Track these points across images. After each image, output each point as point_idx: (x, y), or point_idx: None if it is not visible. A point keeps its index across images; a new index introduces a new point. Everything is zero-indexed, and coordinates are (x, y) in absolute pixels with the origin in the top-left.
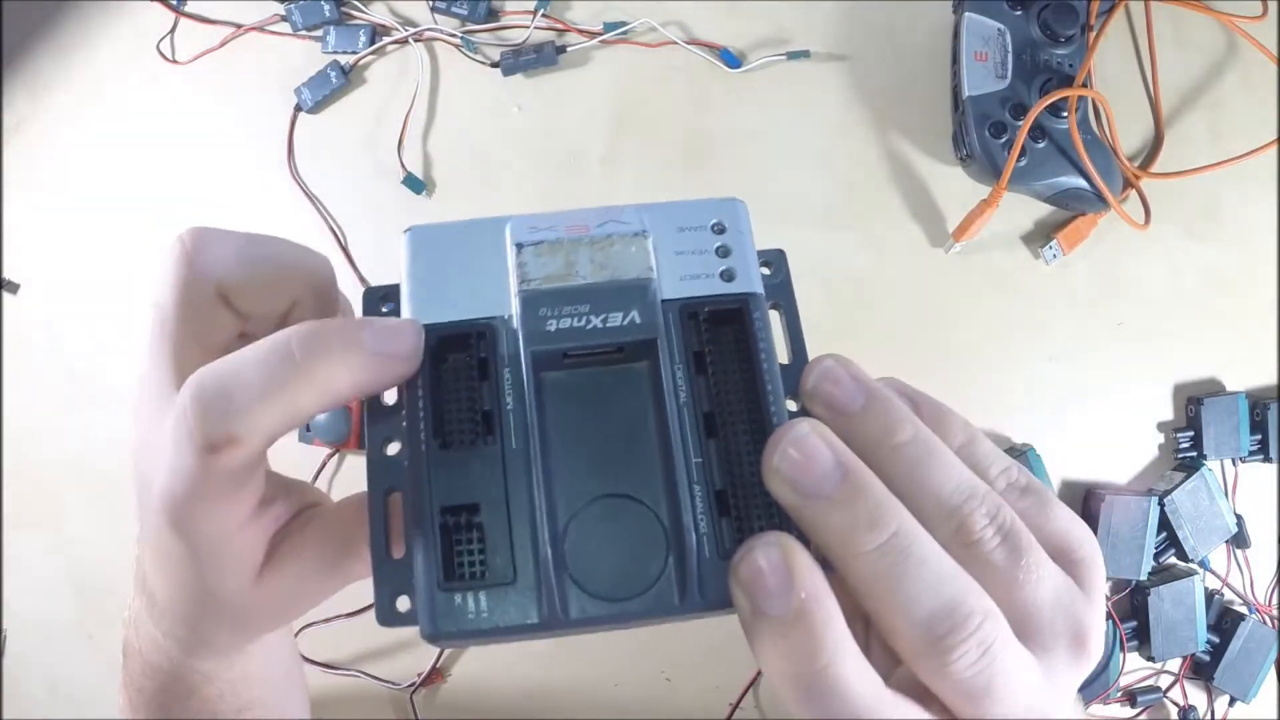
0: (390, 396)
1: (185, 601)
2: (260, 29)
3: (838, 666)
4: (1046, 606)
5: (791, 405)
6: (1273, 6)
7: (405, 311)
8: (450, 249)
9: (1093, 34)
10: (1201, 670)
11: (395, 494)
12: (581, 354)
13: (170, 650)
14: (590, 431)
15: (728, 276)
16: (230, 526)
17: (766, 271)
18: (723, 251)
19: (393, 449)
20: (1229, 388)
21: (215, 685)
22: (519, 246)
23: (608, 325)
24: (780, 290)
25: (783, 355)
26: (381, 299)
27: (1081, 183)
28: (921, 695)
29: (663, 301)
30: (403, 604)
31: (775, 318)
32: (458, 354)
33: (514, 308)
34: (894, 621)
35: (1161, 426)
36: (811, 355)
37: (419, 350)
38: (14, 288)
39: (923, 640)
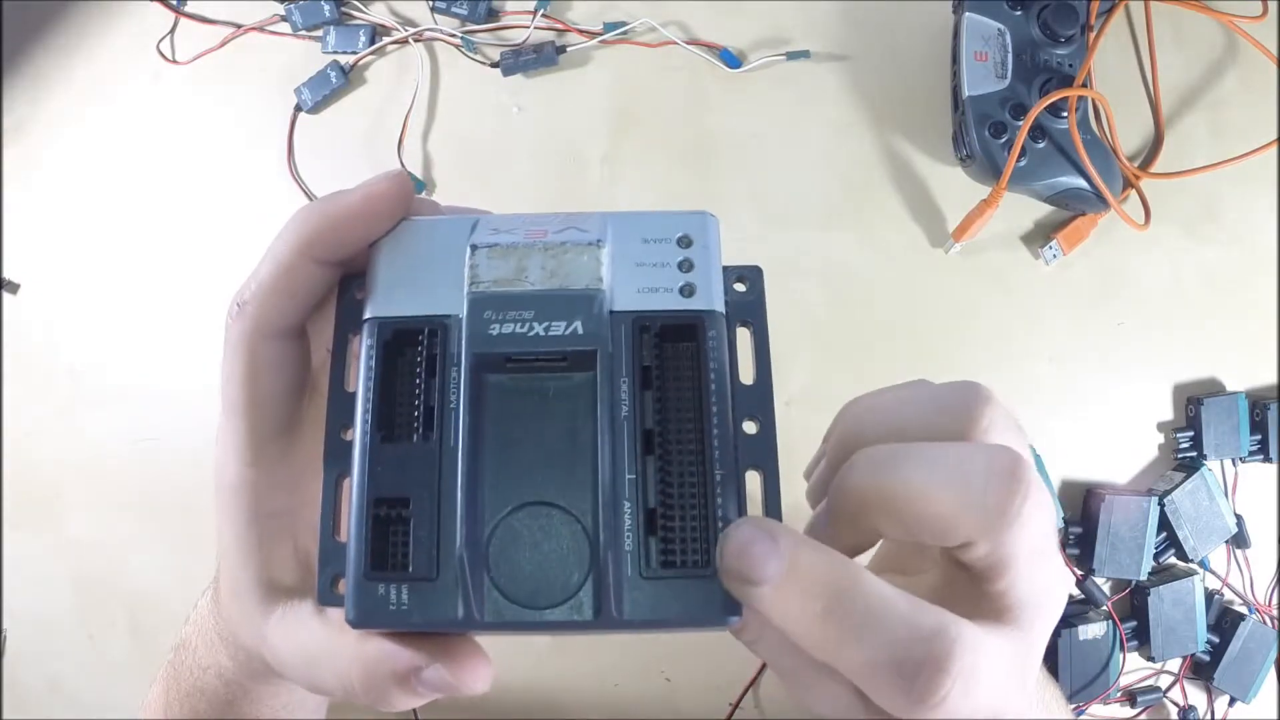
0: (353, 384)
1: (247, 590)
2: (260, 29)
3: (861, 580)
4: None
5: (750, 427)
6: (1273, 6)
7: (371, 301)
8: (422, 243)
9: (1093, 34)
10: (1201, 670)
11: (348, 479)
12: (526, 359)
13: (223, 658)
14: (530, 437)
15: (687, 292)
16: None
17: (741, 288)
18: (685, 266)
19: (350, 434)
20: (1229, 388)
21: (256, 706)
22: (473, 248)
23: (549, 334)
24: (752, 308)
25: (749, 374)
26: (356, 285)
27: (1081, 183)
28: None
29: (614, 313)
30: (343, 586)
31: (745, 336)
32: (414, 348)
33: (463, 309)
34: (872, 683)
35: (1161, 426)
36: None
37: (395, 188)
38: (14, 288)
39: (904, 694)
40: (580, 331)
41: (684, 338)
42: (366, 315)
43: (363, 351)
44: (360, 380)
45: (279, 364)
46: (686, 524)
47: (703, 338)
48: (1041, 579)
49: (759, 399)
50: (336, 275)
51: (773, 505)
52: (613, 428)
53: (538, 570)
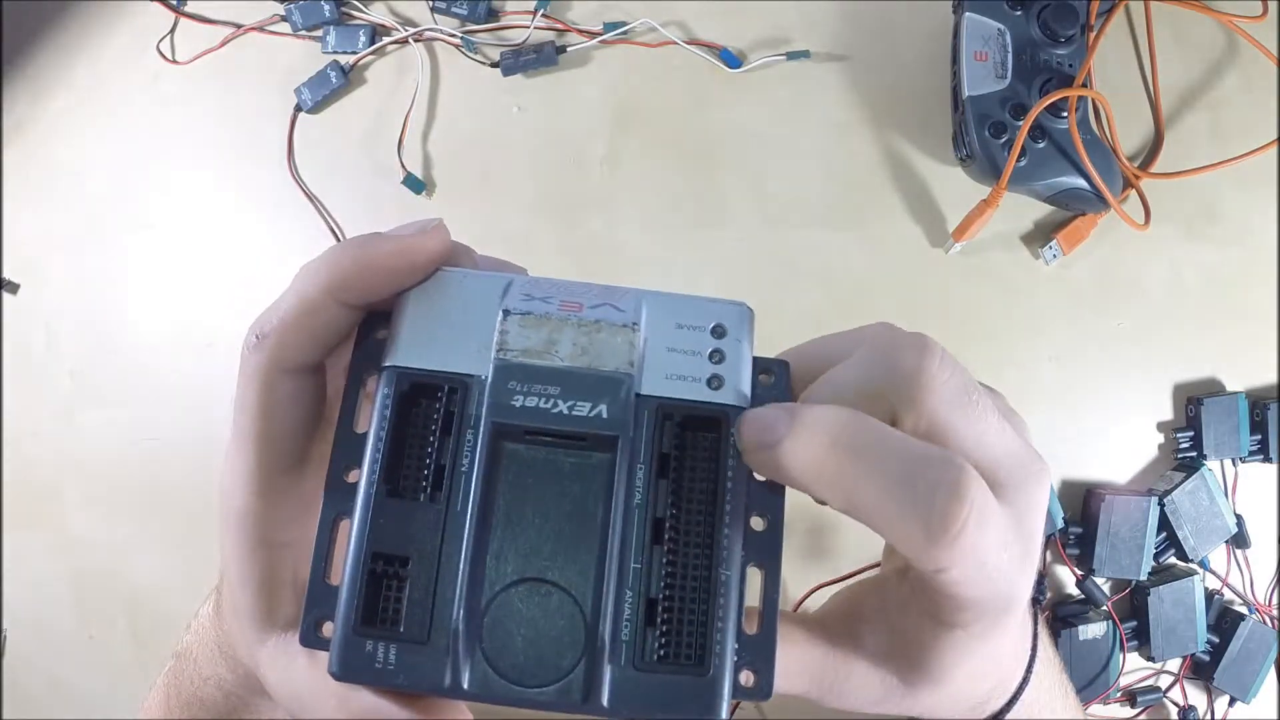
0: (362, 425)
1: (251, 609)
2: (260, 29)
3: (866, 417)
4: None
5: (757, 524)
6: (1273, 6)
7: (393, 350)
8: (453, 297)
9: (1093, 34)
10: (1201, 670)
11: (346, 520)
12: (545, 433)
13: (223, 670)
14: (540, 512)
15: (715, 384)
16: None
17: (766, 379)
18: (716, 357)
19: (353, 476)
20: (1229, 388)
21: (256, 717)
22: (505, 313)
23: (573, 414)
24: (775, 403)
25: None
26: (379, 326)
27: (1081, 183)
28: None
29: (640, 396)
30: (327, 629)
31: None
32: (431, 403)
33: (488, 372)
34: (889, 517)
35: (1161, 426)
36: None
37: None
38: (14, 288)
39: (923, 525)
40: (605, 416)
41: (705, 428)
42: (386, 363)
43: (378, 400)
44: (372, 429)
45: (294, 399)
46: (685, 619)
47: (724, 434)
48: (988, 436)
49: (770, 497)
50: (360, 316)
51: (769, 606)
52: (625, 515)
53: (531, 648)
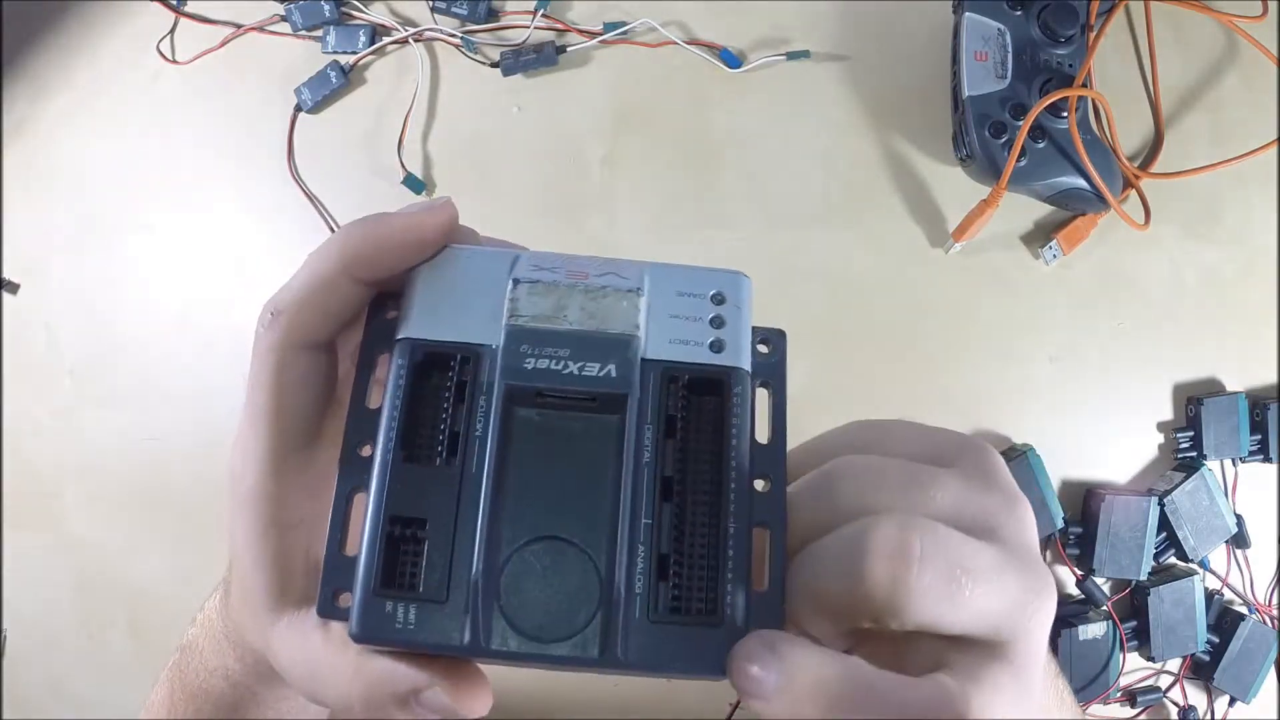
0: (374, 401)
1: (259, 594)
2: (260, 29)
3: (855, 677)
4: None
5: (760, 485)
6: (1273, 6)
7: (405, 323)
8: (462, 272)
9: (1093, 34)
10: (1201, 670)
11: (360, 494)
12: (556, 396)
13: (230, 661)
14: (552, 472)
15: (716, 347)
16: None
17: (764, 349)
18: (717, 322)
19: (367, 451)
20: (1229, 388)
21: (262, 709)
22: (515, 282)
23: (583, 374)
24: (773, 370)
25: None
26: (389, 305)
27: (1081, 183)
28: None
29: (645, 360)
30: (344, 600)
31: (763, 396)
32: (443, 373)
33: (500, 339)
34: None
35: (1161, 426)
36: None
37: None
38: (14, 288)
39: None
40: (614, 375)
41: (709, 391)
42: (400, 335)
43: (392, 370)
44: (387, 398)
45: (307, 376)
46: (695, 573)
47: (728, 394)
48: (982, 606)
49: (771, 459)
50: (371, 294)
51: (776, 564)
52: (635, 472)
53: (548, 604)
